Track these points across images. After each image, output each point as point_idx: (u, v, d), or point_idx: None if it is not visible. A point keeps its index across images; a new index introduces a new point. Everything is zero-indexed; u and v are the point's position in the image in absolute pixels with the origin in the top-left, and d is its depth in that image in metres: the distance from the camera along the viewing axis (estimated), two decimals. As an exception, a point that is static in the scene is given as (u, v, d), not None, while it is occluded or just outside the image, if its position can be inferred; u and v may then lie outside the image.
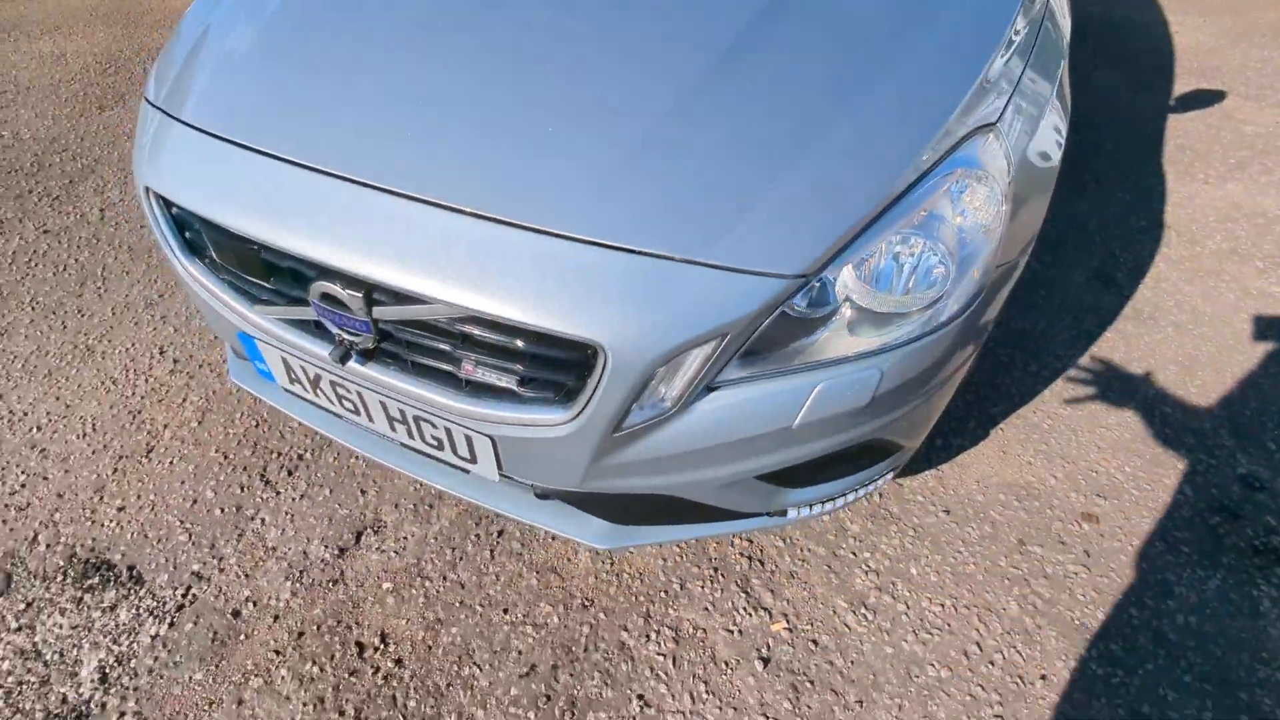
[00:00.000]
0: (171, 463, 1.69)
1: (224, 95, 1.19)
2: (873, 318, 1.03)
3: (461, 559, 1.51)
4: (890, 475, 1.32)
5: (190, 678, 1.32)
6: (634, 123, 1.02)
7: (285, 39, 1.26)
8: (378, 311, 1.03)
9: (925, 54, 1.10)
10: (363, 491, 1.63)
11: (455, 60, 1.14)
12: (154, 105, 1.27)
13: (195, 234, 1.22)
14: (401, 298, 1.00)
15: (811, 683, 1.32)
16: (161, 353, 1.97)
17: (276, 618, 1.41)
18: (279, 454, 1.71)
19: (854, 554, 1.52)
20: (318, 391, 1.24)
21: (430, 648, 1.37)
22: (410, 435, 1.19)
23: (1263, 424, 1.82)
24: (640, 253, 0.92)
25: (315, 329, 1.16)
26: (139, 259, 2.28)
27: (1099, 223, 2.58)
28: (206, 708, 1.28)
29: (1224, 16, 4.78)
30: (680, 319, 0.91)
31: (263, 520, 1.58)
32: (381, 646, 1.37)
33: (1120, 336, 2.08)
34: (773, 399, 1.01)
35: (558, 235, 0.93)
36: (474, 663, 1.35)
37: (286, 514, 1.59)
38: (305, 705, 1.29)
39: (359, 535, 1.55)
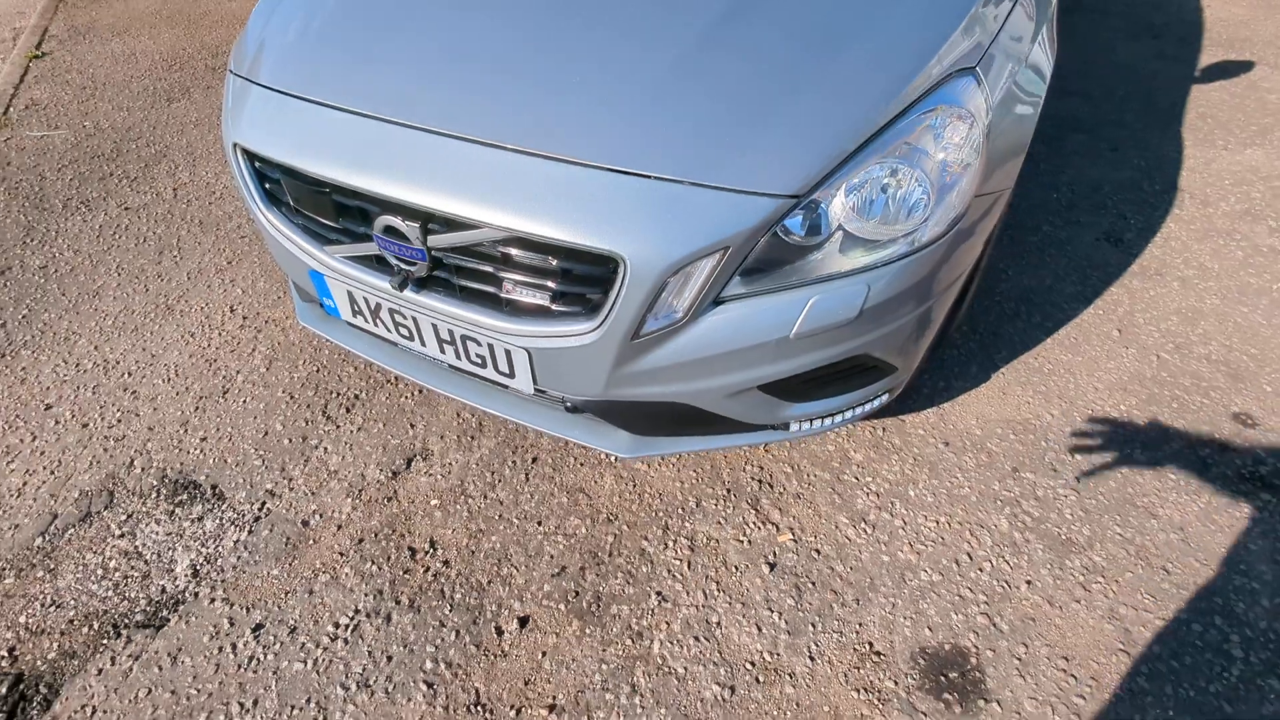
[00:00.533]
0: (245, 402, 1.91)
1: (297, 60, 1.38)
2: (862, 242, 1.17)
3: (500, 481, 1.69)
4: (885, 397, 1.45)
5: (268, 573, 1.52)
6: (650, 67, 1.18)
7: (348, 10, 1.44)
8: (432, 240, 1.20)
9: (912, 2, 1.24)
10: (412, 425, 1.82)
11: (496, 21, 1.32)
12: (236, 74, 1.47)
13: (275, 184, 1.41)
14: (453, 225, 1.18)
15: (813, 584, 1.46)
16: (232, 310, 2.19)
17: (340, 527, 1.61)
18: (338, 394, 1.91)
19: (856, 479, 1.65)
20: (377, 321, 1.43)
21: (473, 552, 1.55)
22: (458, 355, 1.36)
23: (1261, 367, 1.89)
24: (655, 177, 1.08)
25: (376, 264, 1.34)
26: (209, 231, 2.51)
27: (1113, 187, 2.65)
28: (283, 596, 1.48)
29: (1260, -12, 4.71)
30: (688, 233, 1.06)
31: (325, 449, 1.78)
32: (431, 550, 1.55)
33: (1125, 291, 2.17)
34: (773, 311, 1.16)
35: (585, 165, 1.10)
36: (511, 564, 1.52)
37: (346, 444, 1.79)
38: (367, 595, 1.47)
39: (409, 461, 1.74)
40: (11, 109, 3.20)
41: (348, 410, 1.87)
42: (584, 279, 1.16)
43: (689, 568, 1.50)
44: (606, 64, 1.19)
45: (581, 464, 1.71)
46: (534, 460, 1.73)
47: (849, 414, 1.42)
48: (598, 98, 1.15)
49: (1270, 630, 1.37)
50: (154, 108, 3.24)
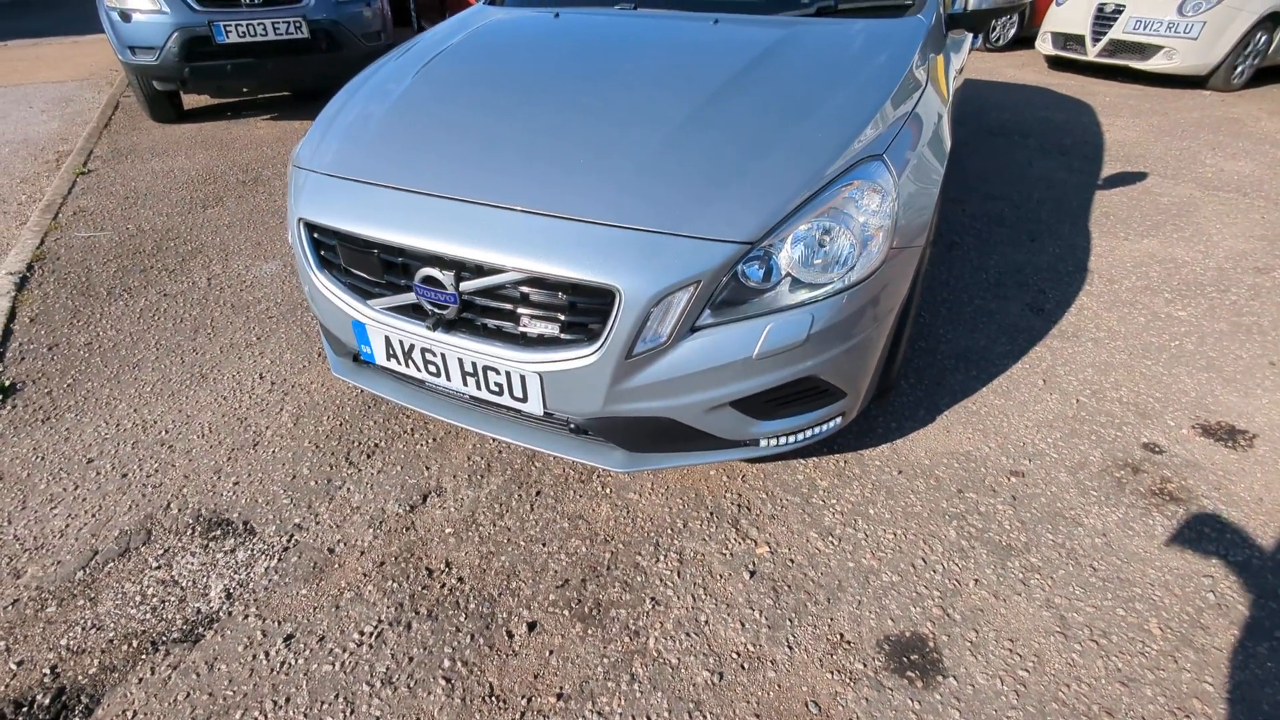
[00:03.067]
0: (274, 451, 2.11)
1: (357, 154, 1.74)
2: (805, 284, 1.48)
3: (508, 511, 1.88)
4: (839, 420, 1.72)
5: (298, 592, 1.67)
6: (638, 150, 1.55)
7: (393, 117, 1.82)
8: (463, 285, 1.50)
9: (833, 106, 1.64)
10: (426, 468, 2.03)
11: (518, 116, 1.70)
12: (300, 168, 1.82)
13: (329, 250, 1.72)
14: (482, 271, 1.48)
15: (789, 587, 1.65)
16: (261, 377, 2.44)
17: (362, 553, 1.77)
18: (359, 443, 2.12)
19: (824, 501, 1.88)
20: (409, 362, 1.69)
21: (485, 570, 1.72)
22: (479, 386, 1.62)
23: (1165, 408, 2.20)
24: (642, 230, 1.40)
25: (412, 313, 1.63)
26: (239, 313, 2.80)
27: (1033, 269, 3.07)
28: (312, 611, 1.63)
29: (1152, 118, 5.52)
30: (667, 271, 1.37)
31: (348, 489, 1.97)
32: (446, 569, 1.72)
33: (1047, 350, 2.51)
34: (738, 335, 1.45)
35: (590, 221, 1.42)
36: (519, 579, 1.69)
37: (367, 484, 1.98)
38: (388, 608, 1.63)
39: (425, 497, 1.93)
40: (61, 214, 3.56)
41: (368, 456, 2.08)
42: (587, 310, 1.44)
43: (679, 577, 1.69)
44: (607, 145, 1.56)
45: (580, 496, 1.92)
46: (538, 493, 1.93)
47: (809, 433, 1.68)
48: (599, 174, 1.50)
49: (1183, 612, 1.57)
50: (190, 213, 3.63)
